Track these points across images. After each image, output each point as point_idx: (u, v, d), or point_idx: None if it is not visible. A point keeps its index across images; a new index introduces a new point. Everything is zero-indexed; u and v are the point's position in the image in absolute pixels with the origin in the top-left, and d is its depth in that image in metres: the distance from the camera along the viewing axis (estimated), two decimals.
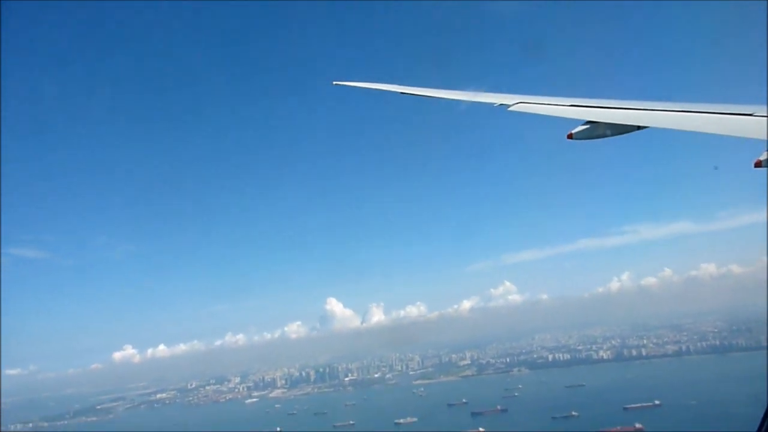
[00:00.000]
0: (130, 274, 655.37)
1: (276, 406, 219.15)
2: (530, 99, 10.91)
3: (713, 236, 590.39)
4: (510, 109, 10.74)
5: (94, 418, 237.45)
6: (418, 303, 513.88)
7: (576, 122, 9.05)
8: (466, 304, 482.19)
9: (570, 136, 8.90)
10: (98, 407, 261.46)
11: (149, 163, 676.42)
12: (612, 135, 8.70)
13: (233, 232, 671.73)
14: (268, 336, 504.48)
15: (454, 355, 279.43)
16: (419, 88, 13.52)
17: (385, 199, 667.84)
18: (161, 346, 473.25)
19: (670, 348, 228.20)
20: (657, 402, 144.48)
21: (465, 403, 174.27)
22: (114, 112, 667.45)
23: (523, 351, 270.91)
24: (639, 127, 8.47)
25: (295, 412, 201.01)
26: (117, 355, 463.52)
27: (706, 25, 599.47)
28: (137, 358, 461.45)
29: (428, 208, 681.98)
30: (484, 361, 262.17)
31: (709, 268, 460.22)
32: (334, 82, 16.49)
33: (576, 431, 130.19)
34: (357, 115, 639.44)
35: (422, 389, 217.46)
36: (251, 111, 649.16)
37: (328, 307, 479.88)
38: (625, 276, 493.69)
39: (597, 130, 8.79)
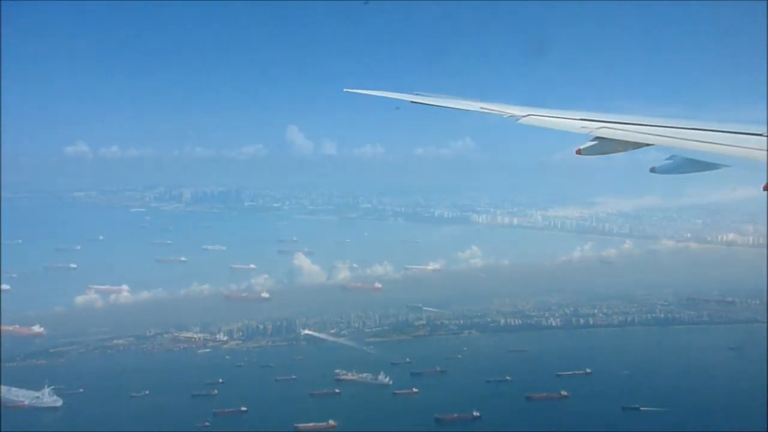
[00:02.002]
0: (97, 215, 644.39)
1: (226, 357, 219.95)
2: (540, 112, 11.10)
3: (679, 212, 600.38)
4: (519, 121, 10.78)
5: (44, 361, 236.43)
6: (385, 262, 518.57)
7: (585, 136, 9.16)
8: (432, 265, 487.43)
9: (579, 152, 8.94)
10: (51, 350, 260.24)
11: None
12: (621, 151, 8.72)
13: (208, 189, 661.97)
14: (233, 287, 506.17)
15: (411, 315, 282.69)
16: (429, 97, 13.40)
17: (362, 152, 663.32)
18: (125, 293, 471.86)
19: (617, 318, 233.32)
20: (588, 370, 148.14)
21: (408, 362, 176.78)
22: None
23: (479, 314, 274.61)
24: (648, 144, 8.43)
25: (242, 364, 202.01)
26: (80, 299, 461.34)
27: (708, 24, 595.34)
28: (100, 303, 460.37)
29: (405, 166, 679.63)
30: (438, 322, 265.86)
31: (668, 243, 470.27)
32: (345, 89, 16.63)
33: (504, 395, 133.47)
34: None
35: (372, 347, 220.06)
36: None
37: (295, 261, 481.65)
38: (588, 246, 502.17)
39: (606, 147, 8.84)
